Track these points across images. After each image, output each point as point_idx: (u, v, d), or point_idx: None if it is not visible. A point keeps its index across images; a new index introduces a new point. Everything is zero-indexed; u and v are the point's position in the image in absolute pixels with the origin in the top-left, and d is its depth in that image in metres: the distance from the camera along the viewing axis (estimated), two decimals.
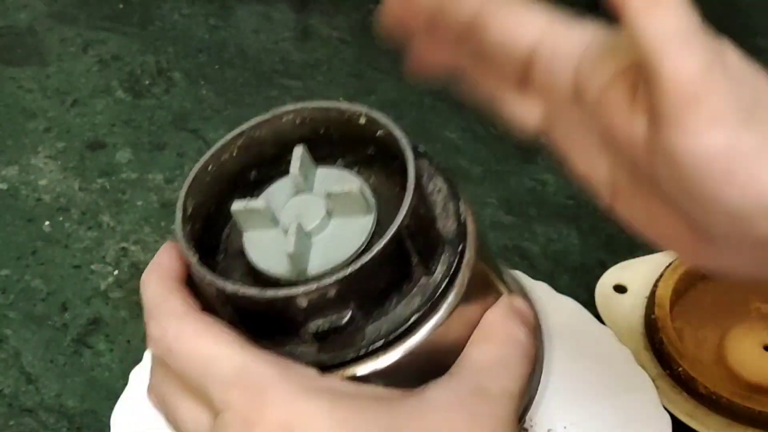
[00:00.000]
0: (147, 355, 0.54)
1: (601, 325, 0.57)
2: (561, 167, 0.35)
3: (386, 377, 0.30)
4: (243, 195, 0.34)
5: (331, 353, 0.30)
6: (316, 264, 0.31)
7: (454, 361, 0.32)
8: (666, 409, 0.52)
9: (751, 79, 0.27)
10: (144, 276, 0.32)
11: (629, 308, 0.59)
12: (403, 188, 0.30)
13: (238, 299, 0.30)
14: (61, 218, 0.71)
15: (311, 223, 0.31)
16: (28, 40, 0.90)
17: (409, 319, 0.30)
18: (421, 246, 0.31)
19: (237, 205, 0.32)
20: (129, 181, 0.74)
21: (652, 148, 0.28)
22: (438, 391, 0.30)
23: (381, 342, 0.30)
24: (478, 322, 0.33)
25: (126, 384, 0.56)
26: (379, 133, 0.33)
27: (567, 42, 0.31)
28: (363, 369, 0.30)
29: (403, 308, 0.31)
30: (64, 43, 0.89)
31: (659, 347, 0.55)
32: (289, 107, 0.34)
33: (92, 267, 0.67)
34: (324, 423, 0.27)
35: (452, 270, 0.31)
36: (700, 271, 0.59)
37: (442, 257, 0.32)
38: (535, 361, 0.34)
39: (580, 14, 0.33)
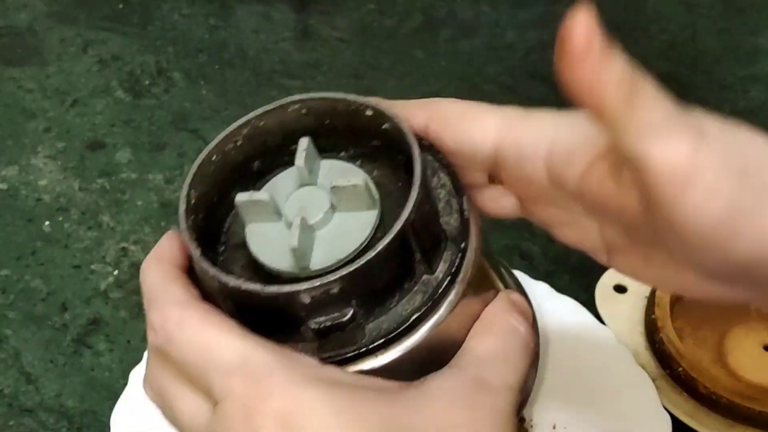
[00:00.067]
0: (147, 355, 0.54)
1: (601, 325, 0.57)
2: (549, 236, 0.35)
3: (386, 374, 0.30)
4: (246, 185, 0.34)
5: (332, 350, 0.30)
6: (318, 259, 0.31)
7: (454, 355, 0.32)
8: (666, 409, 0.52)
9: (734, 140, 0.27)
10: (144, 264, 0.32)
11: (629, 308, 0.59)
12: (407, 183, 0.30)
13: (240, 294, 0.29)
14: (61, 218, 0.71)
15: (315, 217, 0.31)
16: (28, 40, 0.90)
17: (410, 318, 0.30)
18: (425, 243, 0.31)
19: (241, 197, 0.32)
20: (129, 181, 0.74)
21: (650, 222, 0.28)
22: (438, 383, 0.30)
23: (381, 340, 0.30)
24: (478, 317, 0.33)
25: (126, 384, 0.56)
26: (385, 126, 0.33)
27: (529, 136, 0.31)
28: (363, 366, 0.30)
29: (404, 306, 0.31)
30: (64, 43, 0.89)
31: (659, 347, 0.55)
32: (295, 97, 0.34)
33: (92, 267, 0.67)
34: (324, 412, 0.27)
35: (454, 268, 0.31)
36: None
37: (445, 254, 0.31)
38: (533, 354, 0.34)
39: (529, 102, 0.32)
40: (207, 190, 0.33)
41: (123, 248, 0.68)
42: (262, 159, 0.35)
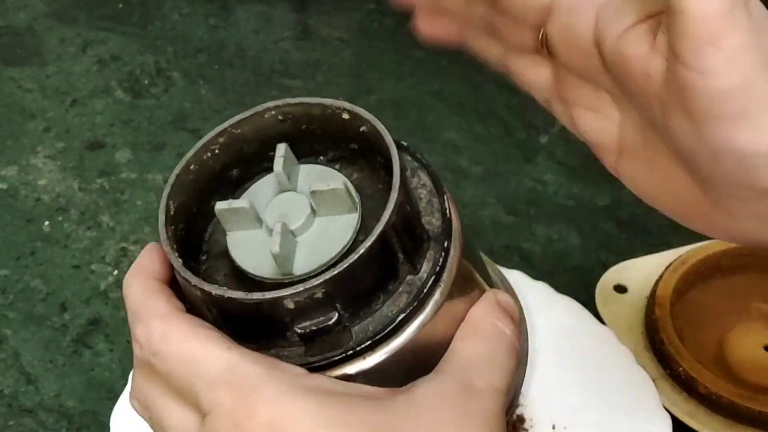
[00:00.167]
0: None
1: (601, 325, 0.57)
2: (567, 129, 0.35)
3: (374, 376, 0.30)
4: (224, 194, 0.34)
5: (318, 354, 0.30)
6: (301, 264, 0.31)
7: (441, 357, 0.32)
8: (666, 409, 0.52)
9: None
10: (127, 278, 0.32)
11: (629, 308, 0.58)
12: (387, 184, 0.30)
13: (224, 302, 0.29)
14: (60, 218, 0.71)
15: (296, 222, 0.31)
16: (28, 40, 0.90)
17: (396, 319, 0.30)
18: (407, 243, 0.30)
19: (220, 205, 0.32)
20: (129, 181, 0.74)
21: (668, 90, 0.28)
22: (426, 389, 0.30)
23: (368, 342, 0.30)
24: (464, 317, 0.33)
25: (126, 384, 0.56)
26: (362, 128, 0.32)
27: None
28: (350, 369, 0.30)
29: (389, 307, 0.30)
30: (64, 43, 0.89)
31: (659, 347, 0.55)
32: (271, 104, 0.34)
33: (92, 267, 0.67)
34: (313, 422, 0.27)
35: (438, 267, 0.31)
36: (700, 271, 0.59)
37: (428, 254, 0.31)
38: (520, 355, 0.34)
39: None
40: (186, 200, 0.33)
41: (123, 248, 0.68)
42: (241, 167, 0.35)
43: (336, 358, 0.30)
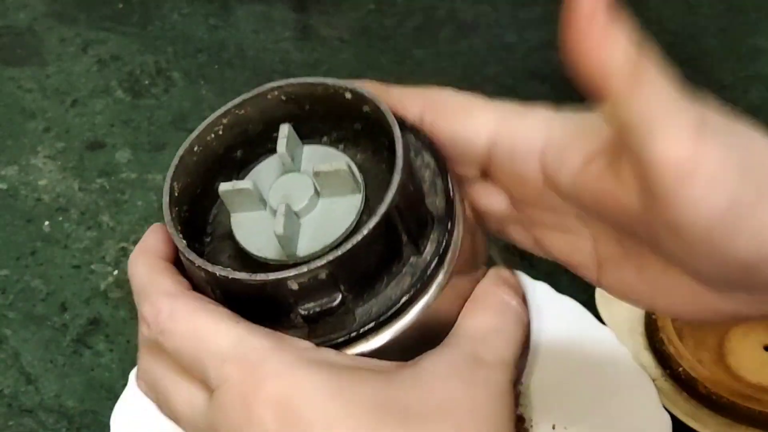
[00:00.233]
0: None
1: (601, 325, 0.57)
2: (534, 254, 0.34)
3: (379, 357, 0.30)
4: (229, 175, 0.34)
5: (322, 336, 0.30)
6: (305, 245, 0.30)
7: (446, 335, 0.31)
8: (666, 409, 0.52)
9: (734, 130, 0.27)
10: (132, 258, 0.32)
11: (629, 308, 0.58)
12: (391, 165, 0.30)
13: (228, 283, 0.29)
14: (60, 218, 0.71)
15: (300, 204, 0.31)
16: (28, 40, 0.90)
17: (400, 300, 0.30)
18: (411, 225, 0.30)
19: (224, 187, 0.31)
20: (129, 181, 0.74)
21: (650, 220, 0.27)
22: (433, 361, 0.30)
23: (372, 324, 0.30)
24: (469, 295, 0.33)
25: (126, 384, 0.56)
26: (365, 108, 0.32)
27: (523, 132, 0.31)
28: (354, 351, 0.30)
29: (393, 289, 0.30)
30: (64, 43, 0.89)
31: (659, 347, 0.55)
32: (274, 84, 0.34)
33: (92, 267, 0.67)
34: (321, 394, 0.27)
35: (442, 249, 0.31)
36: None
37: (432, 235, 0.31)
38: (528, 328, 0.33)
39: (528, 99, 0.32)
40: (190, 182, 0.33)
41: (123, 248, 0.68)
42: (245, 148, 0.34)
43: (340, 340, 0.30)
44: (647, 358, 0.56)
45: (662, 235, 0.27)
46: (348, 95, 0.32)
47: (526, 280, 0.58)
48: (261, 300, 0.30)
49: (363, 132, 0.33)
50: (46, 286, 0.66)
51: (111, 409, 0.54)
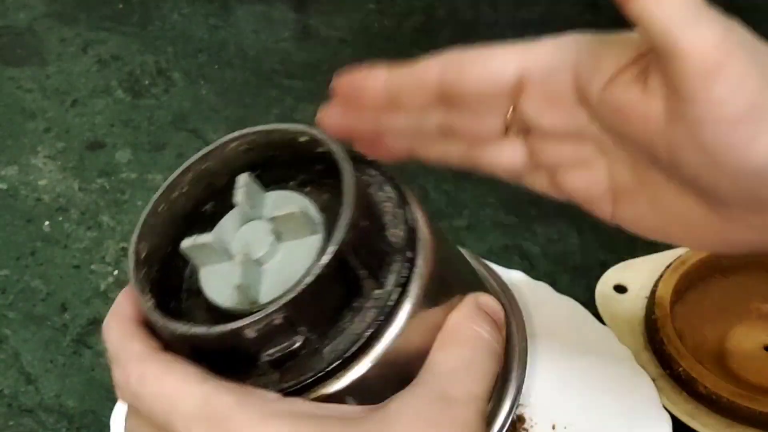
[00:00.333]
0: None
1: (601, 325, 0.57)
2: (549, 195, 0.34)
3: (353, 394, 0.30)
4: (202, 229, 0.33)
5: (292, 379, 0.30)
6: (268, 291, 0.31)
7: (421, 366, 0.31)
8: (666, 409, 0.52)
9: (757, 44, 0.28)
10: (104, 323, 0.32)
11: (629, 308, 0.59)
12: None
13: (191, 339, 0.29)
14: (60, 218, 0.71)
15: (260, 251, 0.31)
16: (28, 40, 0.90)
17: (364, 334, 0.30)
18: (369, 259, 0.30)
19: (185, 243, 0.32)
20: (129, 181, 0.74)
21: (673, 128, 0.28)
22: (401, 403, 0.30)
23: (339, 362, 0.30)
24: (442, 324, 0.32)
25: None
26: (319, 149, 0.32)
27: (554, 51, 0.31)
28: (327, 390, 0.30)
29: (358, 324, 0.30)
30: (64, 43, 0.89)
31: (659, 347, 0.55)
32: (233, 135, 0.34)
33: (92, 267, 0.67)
34: None
35: (404, 279, 0.31)
36: (700, 271, 0.59)
37: (393, 267, 0.31)
38: (502, 357, 0.33)
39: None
40: (158, 242, 0.33)
41: (123, 248, 0.68)
42: (215, 200, 0.34)
43: (308, 381, 0.30)
44: (647, 358, 0.56)
45: (683, 146, 0.28)
46: (302, 138, 0.33)
47: (526, 280, 0.59)
48: (226, 351, 0.30)
49: (325, 172, 0.33)
50: (46, 286, 0.66)
51: (111, 409, 0.54)
